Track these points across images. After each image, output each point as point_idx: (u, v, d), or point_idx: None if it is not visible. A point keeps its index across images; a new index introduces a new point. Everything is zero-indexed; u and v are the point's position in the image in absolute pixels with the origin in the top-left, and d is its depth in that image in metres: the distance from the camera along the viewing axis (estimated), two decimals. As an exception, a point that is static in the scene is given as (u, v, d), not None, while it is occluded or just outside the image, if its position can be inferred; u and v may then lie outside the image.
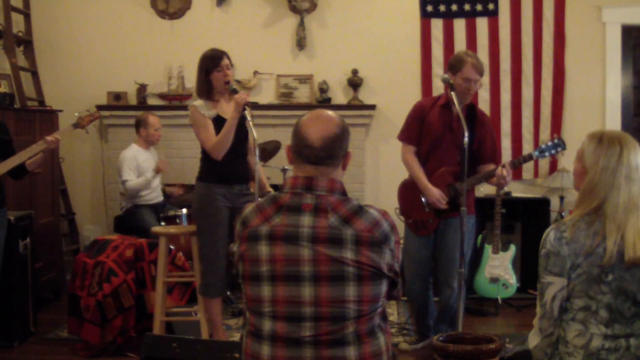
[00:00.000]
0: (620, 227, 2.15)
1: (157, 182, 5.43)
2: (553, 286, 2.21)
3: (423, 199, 3.98)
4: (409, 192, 4.09)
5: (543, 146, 3.89)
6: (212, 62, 3.83)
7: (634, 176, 2.19)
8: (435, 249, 4.04)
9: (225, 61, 3.85)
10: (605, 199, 2.18)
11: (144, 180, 5.20)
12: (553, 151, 3.88)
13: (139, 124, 5.35)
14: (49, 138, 3.95)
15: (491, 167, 3.93)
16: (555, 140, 3.89)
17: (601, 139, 2.25)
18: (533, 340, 2.33)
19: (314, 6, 5.99)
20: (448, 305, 3.98)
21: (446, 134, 3.95)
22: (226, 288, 3.96)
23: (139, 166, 5.26)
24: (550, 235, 2.23)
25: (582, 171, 2.28)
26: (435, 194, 3.89)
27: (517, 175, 6.00)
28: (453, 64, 3.94)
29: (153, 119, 5.37)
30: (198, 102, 3.89)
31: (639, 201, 2.19)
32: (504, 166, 3.77)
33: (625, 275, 2.14)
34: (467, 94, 3.90)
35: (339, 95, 6.06)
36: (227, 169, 3.84)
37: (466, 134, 3.58)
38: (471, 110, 3.96)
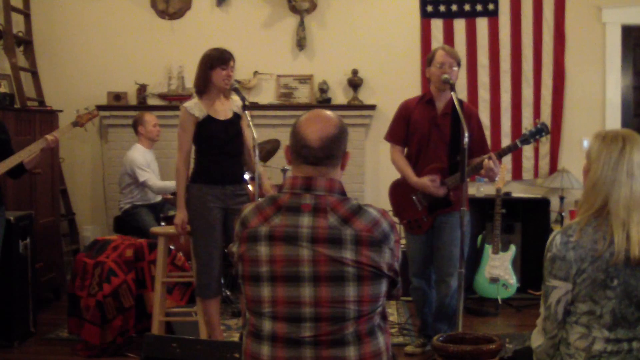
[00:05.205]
0: (625, 225, 2.13)
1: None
2: (558, 290, 2.19)
3: (414, 197, 3.99)
4: (399, 192, 4.10)
5: (527, 133, 3.89)
6: (221, 57, 3.80)
7: (636, 173, 2.17)
8: (432, 246, 4.04)
9: (232, 63, 3.84)
10: (608, 196, 2.16)
11: (172, 185, 5.12)
12: (537, 136, 3.88)
13: (136, 123, 5.39)
14: (49, 137, 3.97)
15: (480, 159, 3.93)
16: (538, 126, 3.88)
17: (605, 136, 2.24)
18: (536, 340, 2.32)
19: (314, 6, 5.99)
20: (444, 302, 3.99)
21: (432, 131, 3.96)
22: (221, 288, 3.95)
23: (149, 165, 5.27)
24: (556, 239, 2.21)
25: (587, 169, 2.27)
26: (425, 182, 3.89)
27: (517, 175, 6.01)
28: (428, 58, 4.04)
29: (149, 116, 5.42)
30: (190, 103, 3.87)
31: None
32: (490, 157, 3.78)
33: (631, 280, 2.13)
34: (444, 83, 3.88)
35: (339, 96, 6.06)
36: (219, 169, 3.84)
37: (466, 134, 3.57)
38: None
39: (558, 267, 2.18)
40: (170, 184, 5.22)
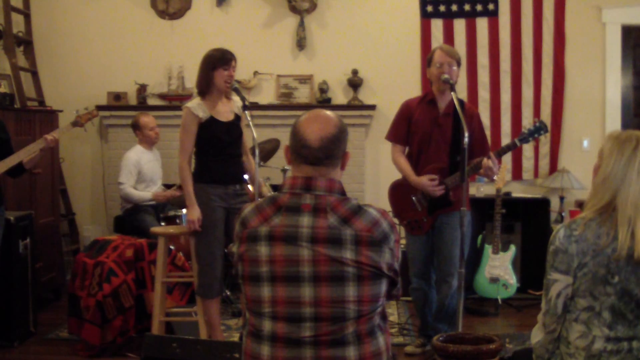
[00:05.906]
0: (631, 223, 2.14)
1: (157, 184, 5.42)
2: (558, 283, 2.20)
3: (414, 198, 3.99)
4: (399, 193, 4.10)
5: (525, 132, 3.90)
6: (223, 57, 3.81)
7: None
8: (433, 247, 4.04)
9: (234, 63, 3.85)
10: (617, 193, 2.17)
11: (138, 198, 5.17)
12: (536, 135, 3.88)
13: (134, 128, 5.37)
14: (48, 137, 3.98)
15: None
16: (537, 124, 3.88)
17: (619, 136, 2.26)
18: (536, 335, 2.33)
19: (314, 6, 5.99)
20: (445, 303, 3.99)
21: (434, 131, 3.96)
22: (223, 288, 3.95)
23: (141, 171, 5.25)
24: (560, 232, 2.22)
25: (598, 166, 2.28)
26: (424, 181, 3.89)
27: (517, 175, 6.01)
28: (428, 58, 4.06)
29: (145, 119, 5.36)
30: (193, 103, 3.86)
31: None
32: (489, 157, 3.79)
33: (631, 278, 2.14)
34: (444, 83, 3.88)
35: (339, 96, 6.06)
36: (221, 169, 3.84)
37: (466, 134, 3.58)
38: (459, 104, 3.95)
39: (560, 260, 2.19)
40: (140, 195, 5.17)
